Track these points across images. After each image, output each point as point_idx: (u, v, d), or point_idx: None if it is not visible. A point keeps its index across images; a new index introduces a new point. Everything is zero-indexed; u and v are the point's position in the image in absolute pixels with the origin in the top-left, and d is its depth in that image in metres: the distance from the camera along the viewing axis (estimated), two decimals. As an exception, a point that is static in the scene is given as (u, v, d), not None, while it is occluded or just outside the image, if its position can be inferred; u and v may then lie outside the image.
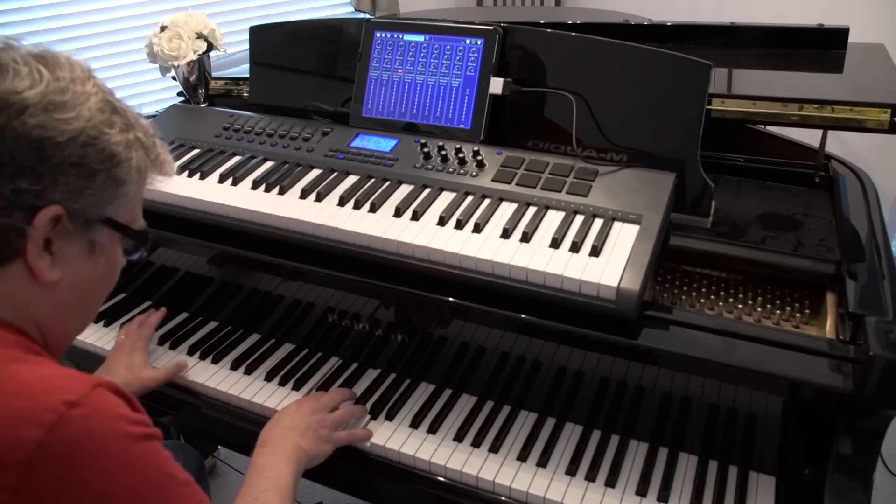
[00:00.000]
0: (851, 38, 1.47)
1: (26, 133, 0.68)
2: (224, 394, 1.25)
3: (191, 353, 1.35)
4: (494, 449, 1.12)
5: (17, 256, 0.72)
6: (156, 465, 0.71)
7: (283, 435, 1.07)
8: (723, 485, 1.05)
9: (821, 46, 1.48)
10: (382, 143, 1.32)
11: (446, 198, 1.19)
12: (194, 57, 1.54)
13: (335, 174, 1.28)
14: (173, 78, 1.61)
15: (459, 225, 1.13)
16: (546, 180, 1.18)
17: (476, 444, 1.13)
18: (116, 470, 0.67)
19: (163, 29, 1.54)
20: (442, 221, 1.14)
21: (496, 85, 1.28)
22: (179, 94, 1.70)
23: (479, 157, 1.23)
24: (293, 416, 1.10)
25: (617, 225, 1.10)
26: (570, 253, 1.05)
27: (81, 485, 0.65)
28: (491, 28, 1.29)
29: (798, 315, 1.09)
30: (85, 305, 0.82)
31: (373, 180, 1.25)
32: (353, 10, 3.26)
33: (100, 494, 0.66)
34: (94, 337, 1.42)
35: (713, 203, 1.18)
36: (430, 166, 1.25)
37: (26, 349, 0.73)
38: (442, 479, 1.11)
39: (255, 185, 1.28)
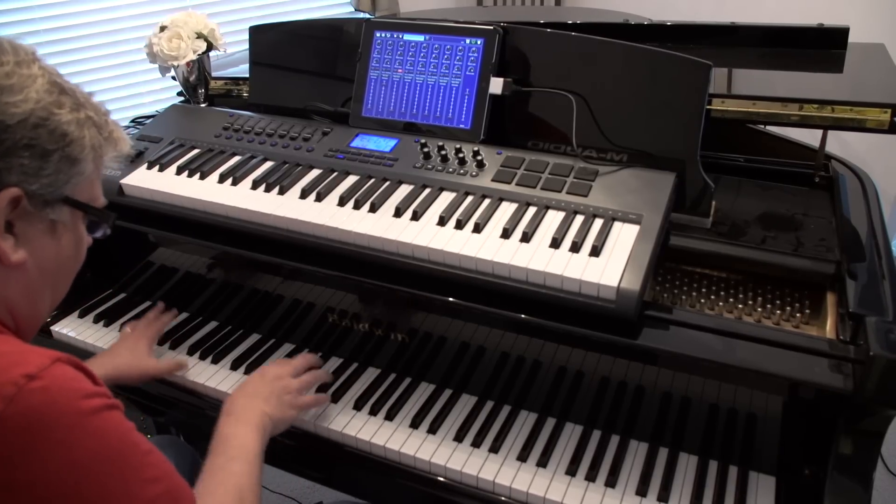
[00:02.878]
0: (851, 38, 1.46)
1: None
2: (224, 393, 1.25)
3: (191, 353, 1.35)
4: (494, 449, 1.12)
5: None
6: (117, 434, 0.72)
7: (247, 403, 1.07)
8: (723, 485, 1.05)
9: (821, 46, 1.48)
10: (382, 143, 1.32)
11: (446, 198, 1.19)
12: (194, 57, 1.54)
13: (335, 174, 1.28)
14: (173, 78, 1.61)
15: (459, 225, 1.13)
16: (546, 180, 1.18)
17: (476, 444, 1.13)
18: (77, 440, 0.68)
19: (162, 29, 1.54)
20: (442, 221, 1.13)
21: (496, 85, 1.28)
22: (179, 94, 1.70)
23: (479, 157, 1.23)
24: (256, 384, 1.11)
25: (617, 225, 1.10)
26: (570, 253, 1.05)
27: (43, 455, 0.66)
28: (491, 28, 1.28)
29: (798, 315, 1.09)
30: (53, 284, 0.84)
31: (373, 180, 1.25)
32: (353, 10, 3.26)
33: (62, 464, 0.67)
34: (94, 337, 1.42)
35: (713, 203, 1.18)
36: (430, 166, 1.25)
37: None
38: (442, 479, 1.11)
39: (255, 185, 1.28)
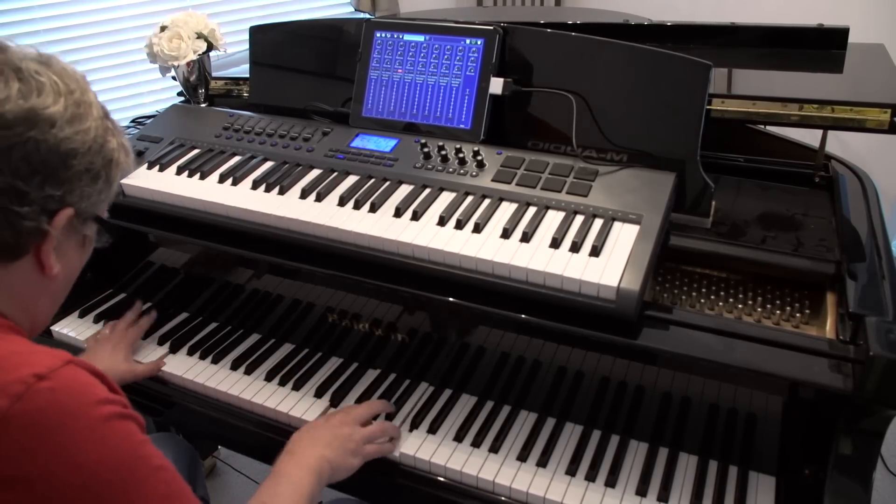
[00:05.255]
0: (851, 38, 1.46)
1: (56, 145, 0.74)
2: (224, 394, 1.26)
3: (191, 353, 1.35)
4: (494, 449, 1.12)
5: (28, 252, 0.77)
6: (127, 445, 0.71)
7: (309, 445, 1.06)
8: (723, 485, 1.05)
9: (821, 46, 1.48)
10: (382, 143, 1.32)
11: (446, 198, 1.19)
12: (194, 57, 1.54)
13: (335, 174, 1.28)
14: (173, 78, 1.61)
15: (459, 225, 1.13)
16: (546, 180, 1.18)
17: (476, 444, 1.13)
18: (83, 445, 0.68)
19: (163, 29, 1.54)
20: (442, 221, 1.14)
21: (496, 85, 1.28)
22: (179, 94, 1.70)
23: (479, 157, 1.23)
24: (321, 428, 1.10)
25: (617, 225, 1.10)
26: (570, 253, 1.05)
27: (47, 456, 0.66)
28: (491, 28, 1.28)
29: (798, 315, 1.09)
30: (66, 291, 0.87)
31: (373, 180, 1.25)
32: (353, 10, 3.26)
33: (66, 467, 0.67)
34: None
35: (713, 203, 1.18)
36: (430, 166, 1.25)
37: (4, 327, 0.76)
38: (442, 479, 1.11)
39: (255, 185, 1.28)
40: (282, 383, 1.26)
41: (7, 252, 0.76)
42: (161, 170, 1.36)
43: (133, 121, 1.72)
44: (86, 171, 0.78)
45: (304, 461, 1.03)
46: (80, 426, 0.68)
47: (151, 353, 1.36)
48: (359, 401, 1.22)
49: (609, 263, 1.03)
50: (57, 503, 0.67)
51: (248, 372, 1.30)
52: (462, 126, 1.31)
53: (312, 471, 1.01)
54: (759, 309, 1.12)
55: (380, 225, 1.15)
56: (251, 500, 0.94)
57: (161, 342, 1.38)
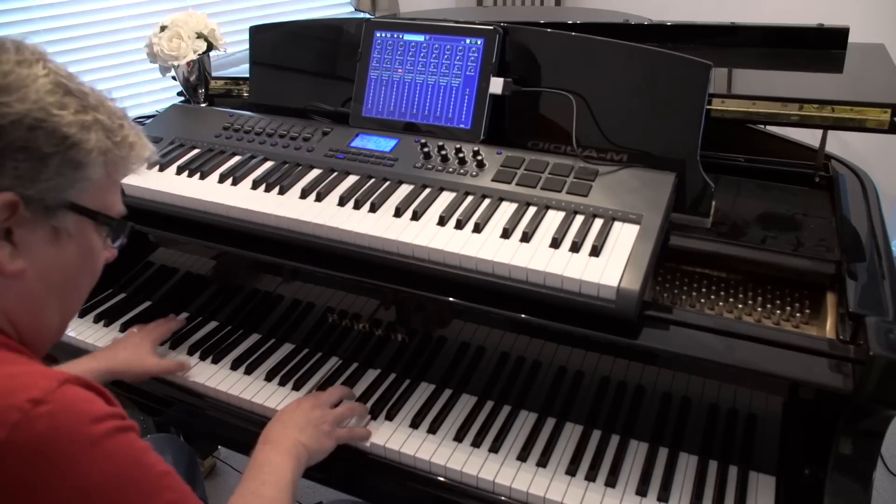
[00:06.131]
0: (851, 38, 1.46)
1: None
2: (224, 394, 1.26)
3: (191, 353, 1.35)
4: (494, 449, 1.12)
5: None
6: (129, 457, 0.70)
7: (283, 431, 1.07)
8: (723, 485, 1.05)
9: (821, 46, 1.48)
10: (382, 143, 1.32)
11: (446, 198, 1.19)
12: (194, 57, 1.54)
13: (335, 174, 1.28)
14: (173, 78, 1.61)
15: (459, 225, 1.13)
16: (546, 180, 1.18)
17: (476, 444, 1.13)
18: (87, 467, 0.66)
19: (163, 29, 1.54)
20: (442, 221, 1.13)
21: (496, 85, 1.28)
22: (179, 94, 1.70)
23: (479, 157, 1.23)
24: (293, 413, 1.11)
25: (617, 225, 1.10)
26: (570, 253, 1.05)
27: (52, 483, 0.64)
28: (491, 28, 1.28)
29: (798, 315, 1.09)
30: (60, 296, 0.79)
31: (373, 180, 1.25)
32: (353, 10, 3.26)
33: (70, 493, 0.65)
34: (94, 337, 1.42)
35: (713, 203, 1.18)
36: (430, 166, 1.25)
37: (1, 346, 0.72)
38: (442, 479, 1.11)
39: (255, 185, 1.28)
40: (282, 383, 1.26)
41: None
42: (161, 170, 1.36)
43: (133, 121, 1.72)
44: (19, 148, 0.69)
45: (281, 447, 1.03)
46: (81, 449, 0.66)
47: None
48: (359, 401, 1.22)
49: (609, 263, 1.02)
50: None
51: (248, 372, 1.30)
52: (462, 126, 1.31)
53: (291, 456, 1.02)
54: (759, 309, 1.12)
55: (380, 225, 1.15)
56: (237, 492, 0.94)
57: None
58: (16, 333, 0.76)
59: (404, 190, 1.22)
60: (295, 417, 1.10)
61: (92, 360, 1.24)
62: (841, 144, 2.21)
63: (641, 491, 1.05)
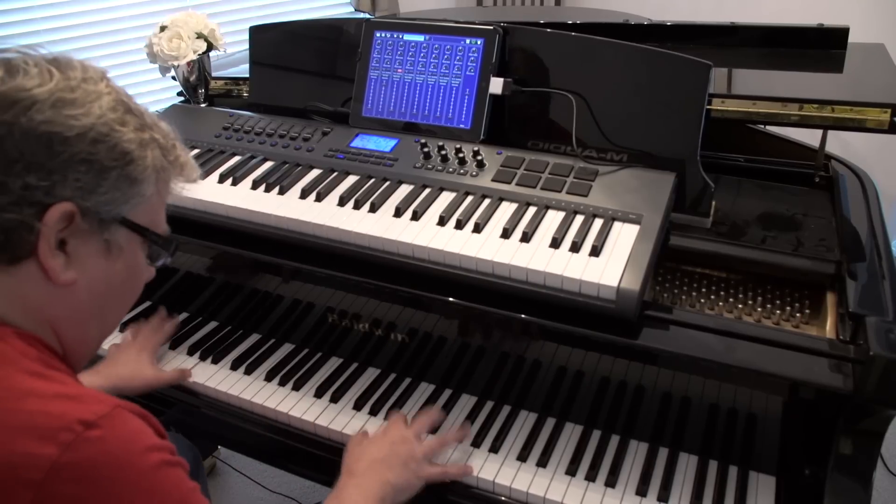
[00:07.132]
0: (851, 38, 1.46)
1: (33, 128, 0.69)
2: (224, 394, 1.25)
3: (191, 353, 1.35)
4: (494, 449, 1.12)
5: (30, 255, 0.71)
6: (177, 494, 0.70)
7: (371, 468, 1.01)
8: (723, 485, 1.05)
9: (821, 46, 1.48)
10: (382, 143, 1.32)
11: (446, 198, 1.19)
12: (194, 57, 1.54)
13: (335, 174, 1.28)
14: (173, 78, 1.61)
15: (459, 225, 1.13)
16: (546, 180, 1.18)
17: (476, 444, 1.13)
18: (134, 496, 0.66)
19: (163, 29, 1.54)
20: (442, 221, 1.13)
21: (496, 85, 1.28)
22: (179, 94, 1.70)
23: (479, 157, 1.23)
24: (381, 446, 1.04)
25: (617, 225, 1.10)
26: (570, 253, 1.05)
27: None
28: (491, 28, 1.28)
29: (798, 315, 1.09)
30: (103, 310, 0.80)
31: (373, 180, 1.25)
32: (353, 10, 3.26)
33: None
34: (94, 337, 1.42)
35: (713, 203, 1.18)
36: (430, 166, 1.25)
37: (47, 364, 0.72)
38: (442, 479, 1.10)
39: (255, 185, 1.28)
40: (282, 383, 1.26)
41: (1, 252, 0.71)
42: (161, 170, 1.36)
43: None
44: (81, 161, 0.71)
45: (366, 486, 0.98)
46: (131, 477, 0.66)
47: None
48: (359, 401, 1.22)
49: (609, 263, 1.03)
50: None
51: (248, 372, 1.29)
52: (462, 126, 1.31)
53: (376, 499, 0.97)
54: (759, 309, 1.12)
55: (380, 225, 1.15)
56: None
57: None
58: (60, 347, 0.77)
59: (404, 190, 1.22)
60: (383, 452, 1.03)
61: (96, 376, 1.22)
62: (841, 144, 2.20)
63: (641, 491, 1.05)
